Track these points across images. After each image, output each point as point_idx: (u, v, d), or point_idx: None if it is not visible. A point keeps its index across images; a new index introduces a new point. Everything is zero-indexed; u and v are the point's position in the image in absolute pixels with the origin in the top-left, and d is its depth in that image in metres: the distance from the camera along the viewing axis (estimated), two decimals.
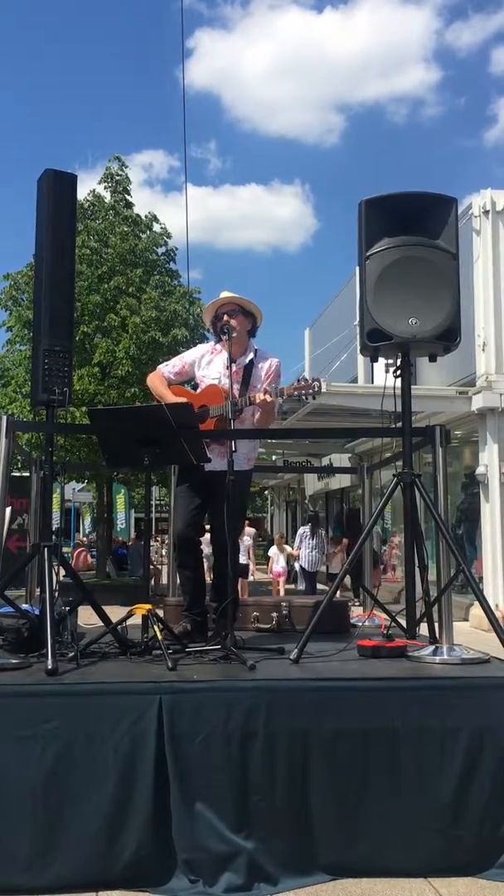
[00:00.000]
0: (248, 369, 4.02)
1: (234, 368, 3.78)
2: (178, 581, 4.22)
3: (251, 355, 4.07)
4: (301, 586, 14.82)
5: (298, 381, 3.80)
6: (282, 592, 14.08)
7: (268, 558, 16.05)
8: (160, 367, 4.28)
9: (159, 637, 3.26)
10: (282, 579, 15.10)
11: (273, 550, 15.70)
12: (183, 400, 3.86)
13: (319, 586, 13.98)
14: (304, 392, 3.76)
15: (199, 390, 4.13)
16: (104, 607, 3.68)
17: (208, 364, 4.12)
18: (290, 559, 15.54)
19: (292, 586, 15.74)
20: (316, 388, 3.73)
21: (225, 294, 4.11)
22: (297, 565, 15.02)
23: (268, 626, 4.38)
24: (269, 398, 3.78)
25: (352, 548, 14.41)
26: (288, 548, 15.91)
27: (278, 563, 15.16)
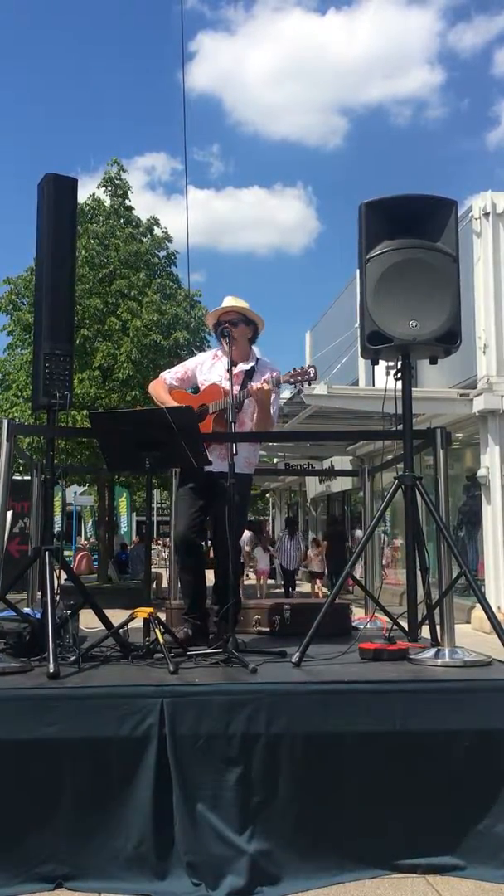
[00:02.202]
0: (249, 374, 4.05)
1: (234, 371, 3.81)
2: (179, 584, 4.22)
3: (253, 363, 4.11)
4: (281, 581, 16.87)
5: (294, 369, 3.83)
6: (264, 588, 16.03)
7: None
8: (163, 374, 4.30)
9: (161, 640, 3.26)
10: (264, 576, 16.74)
11: (257, 551, 17.11)
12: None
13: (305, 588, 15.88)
14: (299, 379, 3.80)
15: (200, 392, 4.15)
16: (106, 611, 3.67)
17: (210, 369, 4.15)
18: (272, 558, 17.41)
19: (272, 581, 17.77)
20: (311, 374, 3.77)
21: (228, 301, 4.12)
22: (277, 564, 16.97)
23: (269, 628, 4.38)
24: (266, 386, 3.82)
25: (330, 550, 15.97)
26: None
27: (262, 562, 16.61)
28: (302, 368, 3.81)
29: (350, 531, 19.09)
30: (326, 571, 16.30)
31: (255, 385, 3.85)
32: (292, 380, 3.83)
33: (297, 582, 17.39)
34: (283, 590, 16.40)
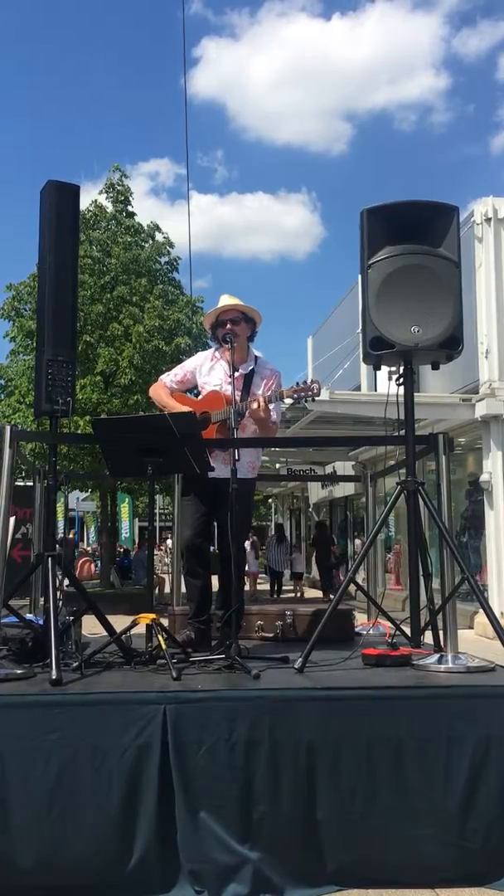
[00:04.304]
0: (249, 377, 4.04)
1: (235, 375, 3.80)
2: (185, 589, 4.22)
3: (252, 365, 4.09)
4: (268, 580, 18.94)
5: (297, 384, 3.80)
6: (254, 589, 17.32)
7: None
8: (162, 377, 4.30)
9: (163, 646, 3.26)
10: (253, 578, 17.85)
11: (249, 555, 18.02)
12: (186, 409, 3.87)
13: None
14: (302, 394, 3.76)
15: (200, 397, 4.15)
16: (108, 616, 3.67)
17: (209, 371, 4.14)
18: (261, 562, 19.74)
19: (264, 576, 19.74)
20: (315, 391, 3.74)
21: (226, 300, 4.10)
22: (266, 566, 19.06)
23: (272, 634, 4.37)
24: (261, 412, 3.77)
25: (316, 555, 17.44)
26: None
27: (252, 565, 17.83)
28: (305, 384, 3.75)
29: (352, 537, 19.39)
30: (306, 573, 19.16)
31: (252, 405, 3.80)
32: (295, 395, 3.78)
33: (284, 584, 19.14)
34: (269, 589, 18.20)
